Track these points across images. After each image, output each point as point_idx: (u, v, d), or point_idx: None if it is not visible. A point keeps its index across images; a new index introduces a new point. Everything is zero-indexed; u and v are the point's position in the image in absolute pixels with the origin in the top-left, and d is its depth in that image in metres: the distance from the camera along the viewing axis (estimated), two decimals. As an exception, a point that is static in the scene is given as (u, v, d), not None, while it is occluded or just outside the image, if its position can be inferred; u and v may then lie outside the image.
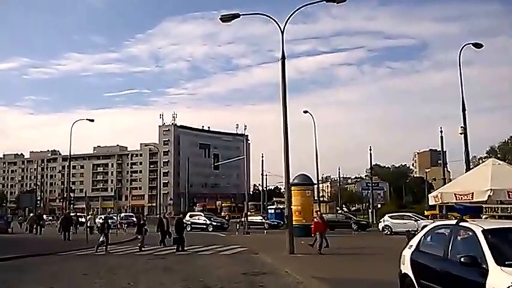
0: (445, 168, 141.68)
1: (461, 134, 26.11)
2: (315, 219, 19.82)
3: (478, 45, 26.70)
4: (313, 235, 19.28)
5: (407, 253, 7.80)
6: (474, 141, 25.84)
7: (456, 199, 13.54)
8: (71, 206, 62.87)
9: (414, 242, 7.84)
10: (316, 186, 43.75)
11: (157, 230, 25.63)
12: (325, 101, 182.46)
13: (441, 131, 44.88)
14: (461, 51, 26.50)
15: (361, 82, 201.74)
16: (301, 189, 28.74)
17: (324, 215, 23.85)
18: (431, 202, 15.75)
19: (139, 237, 23.38)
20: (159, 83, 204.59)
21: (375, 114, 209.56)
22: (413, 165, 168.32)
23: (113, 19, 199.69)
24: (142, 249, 22.30)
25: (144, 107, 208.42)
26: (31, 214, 44.02)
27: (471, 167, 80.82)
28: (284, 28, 19.33)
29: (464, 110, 26.24)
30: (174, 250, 21.74)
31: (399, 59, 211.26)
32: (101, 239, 22.02)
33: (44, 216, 51.02)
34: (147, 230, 24.03)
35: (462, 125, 26.11)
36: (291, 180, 21.95)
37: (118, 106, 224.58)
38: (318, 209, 28.33)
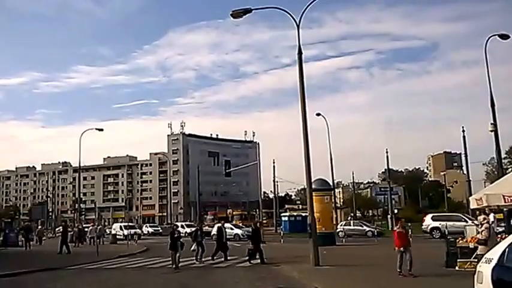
0: (462, 171, 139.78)
1: (491, 131, 24.40)
2: (398, 229, 15.12)
3: (504, 37, 25.25)
4: (396, 249, 14.73)
5: (485, 269, 6.31)
6: (491, 142, 24.21)
7: (505, 201, 12.05)
8: (82, 217, 61.41)
9: (494, 255, 6.34)
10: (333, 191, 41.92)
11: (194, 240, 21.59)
12: (334, 106, 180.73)
13: (463, 130, 43.10)
14: (486, 43, 25.05)
15: (370, 85, 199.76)
16: (320, 195, 26.93)
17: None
18: (474, 205, 14.24)
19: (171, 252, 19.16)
20: (167, 92, 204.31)
21: (386, 117, 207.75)
22: (427, 168, 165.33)
23: (119, 31, 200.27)
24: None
25: (152, 117, 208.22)
26: (39, 226, 42.71)
27: (487, 170, 78.37)
28: (300, 22, 17.97)
29: (493, 105, 24.60)
30: (194, 260, 20.57)
31: (409, 61, 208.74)
32: (193, 247, 20.82)
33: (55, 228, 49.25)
34: (183, 243, 19.75)
35: (492, 122, 24.43)
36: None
37: (127, 117, 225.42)
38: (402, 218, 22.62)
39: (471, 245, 14.61)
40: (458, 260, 14.62)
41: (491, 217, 21.01)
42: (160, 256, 24.19)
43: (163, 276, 16.30)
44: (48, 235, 56.98)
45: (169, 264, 20.12)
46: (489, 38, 25.23)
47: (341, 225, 40.96)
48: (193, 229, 39.76)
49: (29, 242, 32.42)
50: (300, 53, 17.97)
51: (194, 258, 20.67)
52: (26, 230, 34.65)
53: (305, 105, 17.58)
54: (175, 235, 19.76)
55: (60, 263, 21.65)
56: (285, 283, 13.37)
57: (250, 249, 20.04)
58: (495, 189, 13.23)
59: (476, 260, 14.34)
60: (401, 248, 14.36)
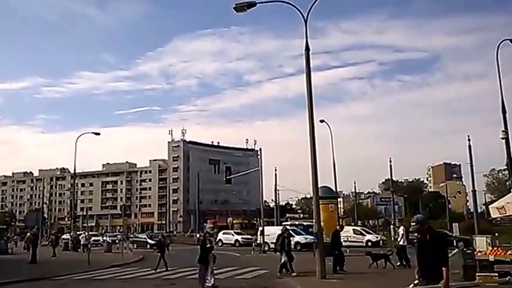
0: (461, 182, 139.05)
1: (502, 138, 23.33)
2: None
3: (515, 41, 24.29)
4: None
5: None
6: (492, 154, 23.32)
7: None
8: (77, 224, 60.23)
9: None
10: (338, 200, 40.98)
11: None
12: (335, 116, 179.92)
13: (469, 139, 41.54)
14: (498, 47, 24.01)
15: (372, 96, 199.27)
16: (324, 203, 25.82)
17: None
18: (495, 214, 13.14)
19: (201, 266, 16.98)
20: (169, 100, 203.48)
21: (387, 128, 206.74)
22: (427, 179, 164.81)
23: (123, 38, 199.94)
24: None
25: (154, 124, 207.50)
26: (28, 233, 41.34)
27: (487, 181, 77.12)
28: (307, 17, 16.93)
29: (504, 112, 23.54)
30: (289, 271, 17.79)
31: (410, 72, 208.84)
32: (283, 260, 17.97)
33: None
34: (216, 256, 17.45)
35: (503, 129, 23.34)
36: (311, 194, 19.32)
37: (129, 124, 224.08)
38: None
39: (491, 258, 13.49)
40: (477, 274, 13.44)
41: (400, 230, 20.95)
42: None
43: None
44: (42, 242, 55.85)
45: (165, 276, 18.94)
46: (500, 43, 24.26)
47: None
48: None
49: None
50: (307, 49, 16.98)
51: (282, 270, 17.87)
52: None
53: (312, 104, 16.52)
54: (208, 245, 16.14)
55: (47, 272, 20.43)
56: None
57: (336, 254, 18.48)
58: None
59: (497, 275, 13.28)
60: None
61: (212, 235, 29.05)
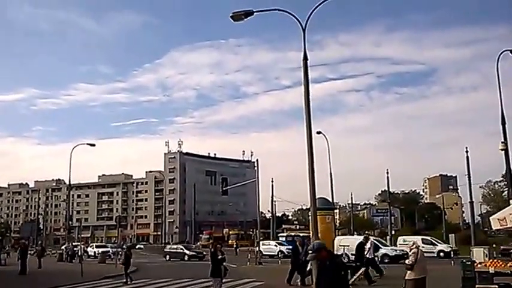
0: (457, 193, 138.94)
1: (502, 150, 23.14)
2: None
3: (516, 52, 24.23)
4: None
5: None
6: (487, 166, 23.20)
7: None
8: (72, 235, 59.63)
9: None
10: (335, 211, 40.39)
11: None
12: (333, 128, 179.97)
13: (467, 151, 41.44)
14: (499, 58, 23.89)
15: (369, 108, 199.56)
16: (321, 215, 25.40)
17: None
18: (496, 226, 12.88)
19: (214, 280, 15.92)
20: (166, 111, 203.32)
21: (383, 140, 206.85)
22: (423, 190, 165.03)
23: (120, 49, 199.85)
24: (128, 282, 20.05)
25: (151, 135, 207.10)
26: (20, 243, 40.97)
27: (483, 193, 77.01)
28: (306, 26, 16.75)
29: (504, 123, 23.36)
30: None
31: (408, 85, 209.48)
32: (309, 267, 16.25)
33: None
34: (228, 269, 17.04)
35: (502, 140, 23.16)
36: (308, 204, 19.03)
37: (125, 135, 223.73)
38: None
39: (491, 270, 13.22)
40: (477, 286, 13.18)
41: (368, 244, 20.64)
42: (150, 278, 22.75)
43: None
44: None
45: (159, 287, 18.64)
46: (501, 54, 24.17)
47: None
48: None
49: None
50: (305, 59, 16.74)
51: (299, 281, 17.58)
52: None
53: (310, 114, 16.26)
54: (219, 256, 14.85)
55: (38, 284, 20.10)
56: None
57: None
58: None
59: (497, 287, 13.02)
60: None
61: (222, 245, 28.23)
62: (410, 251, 13.38)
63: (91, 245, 53.77)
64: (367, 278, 17.88)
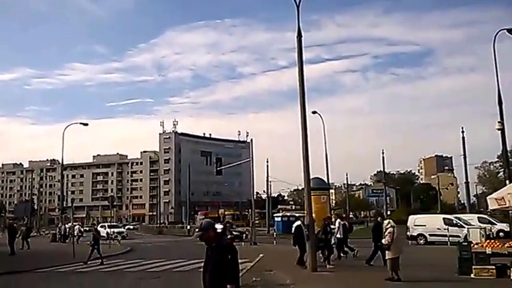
0: (453, 174, 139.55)
1: (498, 129, 22.85)
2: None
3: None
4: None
5: None
6: (483, 147, 22.94)
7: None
8: (67, 215, 59.35)
9: None
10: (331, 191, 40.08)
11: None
12: (328, 108, 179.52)
13: (463, 131, 41.24)
14: (495, 37, 23.49)
15: (365, 89, 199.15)
16: (316, 195, 25.12)
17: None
18: (494, 206, 12.62)
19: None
20: (162, 92, 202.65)
21: (379, 121, 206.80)
22: (419, 171, 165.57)
23: (116, 29, 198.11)
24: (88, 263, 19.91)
25: (146, 116, 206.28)
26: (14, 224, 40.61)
27: (479, 173, 77.03)
28: (300, 2, 16.29)
29: (500, 103, 23.05)
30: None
31: (404, 66, 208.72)
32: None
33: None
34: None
35: (499, 120, 22.85)
36: (303, 185, 18.66)
37: (120, 116, 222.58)
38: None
39: (488, 250, 12.99)
40: (473, 267, 12.96)
41: (336, 223, 20.33)
42: (143, 258, 22.51)
43: (139, 283, 14.47)
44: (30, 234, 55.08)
45: (150, 268, 18.40)
46: (498, 33, 23.77)
47: None
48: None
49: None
50: (299, 35, 16.34)
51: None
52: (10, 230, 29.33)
53: (304, 92, 15.93)
54: (228, 236, 13.87)
55: (29, 264, 19.80)
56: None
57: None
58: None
59: (494, 268, 12.81)
60: None
61: (232, 225, 27.66)
62: (386, 231, 13.20)
63: (102, 225, 53.22)
64: (327, 258, 17.19)
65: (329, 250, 17.31)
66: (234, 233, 39.12)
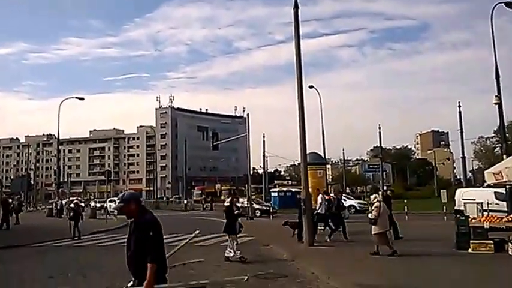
0: (449, 149, 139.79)
1: (495, 104, 22.73)
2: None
3: (509, 5, 23.56)
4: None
5: None
6: (479, 122, 22.69)
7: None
8: (64, 190, 59.31)
9: None
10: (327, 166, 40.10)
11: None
12: (325, 83, 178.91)
13: (459, 106, 41.10)
14: (493, 10, 23.22)
15: (362, 64, 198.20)
16: (313, 170, 25.02)
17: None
18: (491, 180, 12.53)
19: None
20: (158, 66, 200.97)
21: (376, 96, 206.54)
22: (415, 146, 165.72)
23: (111, 3, 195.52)
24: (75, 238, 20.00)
25: (143, 91, 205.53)
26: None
27: (475, 148, 76.93)
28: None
29: (498, 77, 22.87)
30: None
31: (400, 40, 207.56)
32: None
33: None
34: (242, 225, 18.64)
35: (496, 94, 22.70)
36: (299, 160, 18.53)
37: (117, 90, 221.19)
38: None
39: (486, 225, 12.95)
40: (471, 242, 12.94)
41: (319, 198, 19.96)
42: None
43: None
44: (28, 208, 55.20)
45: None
46: (495, 6, 23.48)
47: None
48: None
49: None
50: (296, 7, 16.04)
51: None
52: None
53: (300, 64, 15.70)
54: (235, 211, 13.80)
55: (26, 239, 19.76)
56: (276, 267, 11.48)
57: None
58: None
59: (492, 242, 12.79)
60: None
61: (238, 198, 26.95)
62: (372, 206, 13.16)
63: (111, 199, 53.06)
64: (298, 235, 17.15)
65: (336, 225, 17.08)
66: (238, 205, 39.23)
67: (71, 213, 22.00)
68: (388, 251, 12.68)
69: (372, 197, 13.74)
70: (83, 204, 43.62)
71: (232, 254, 12.78)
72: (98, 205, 44.32)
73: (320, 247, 14.82)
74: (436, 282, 9.04)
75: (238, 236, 13.47)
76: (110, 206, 40.48)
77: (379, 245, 12.81)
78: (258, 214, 37.46)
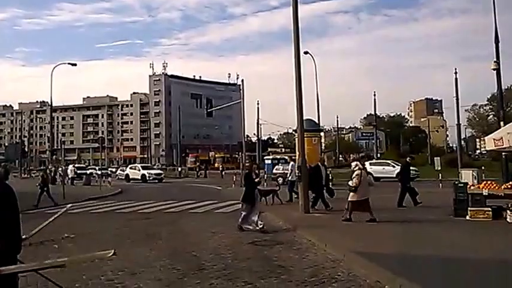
0: (442, 117, 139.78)
1: (494, 69, 22.30)
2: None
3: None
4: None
5: None
6: (472, 90, 22.38)
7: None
8: (58, 157, 59.05)
9: None
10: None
11: None
12: (320, 50, 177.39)
13: (456, 72, 40.59)
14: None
15: (357, 30, 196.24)
16: (308, 136, 24.70)
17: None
18: (490, 146, 12.30)
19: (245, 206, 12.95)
20: (151, 33, 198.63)
21: (370, 63, 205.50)
22: (408, 114, 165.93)
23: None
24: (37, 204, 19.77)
25: (136, 58, 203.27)
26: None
27: (469, 116, 76.65)
28: None
29: (497, 41, 22.39)
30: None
31: (397, 7, 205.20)
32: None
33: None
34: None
35: (495, 60, 22.25)
36: (294, 127, 18.28)
37: (110, 57, 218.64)
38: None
39: (485, 192, 12.78)
40: (469, 209, 12.79)
41: (290, 166, 20.16)
42: (133, 200, 22.36)
43: (129, 223, 14.23)
44: (22, 175, 55.04)
45: (140, 209, 18.18)
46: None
47: None
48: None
49: None
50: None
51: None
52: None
53: (298, 29, 15.23)
54: (255, 178, 12.70)
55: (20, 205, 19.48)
56: (271, 235, 11.31)
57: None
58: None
59: (490, 209, 12.65)
60: None
61: (259, 166, 26.67)
62: (353, 173, 12.94)
63: (121, 168, 52.42)
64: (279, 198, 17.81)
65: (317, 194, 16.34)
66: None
67: (40, 180, 21.67)
68: (368, 217, 12.56)
69: (353, 164, 13.50)
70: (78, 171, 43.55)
71: (250, 225, 11.97)
72: (99, 172, 44.04)
73: (316, 214, 14.65)
74: (437, 248, 8.86)
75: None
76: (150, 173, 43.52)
77: (358, 211, 12.64)
78: None
